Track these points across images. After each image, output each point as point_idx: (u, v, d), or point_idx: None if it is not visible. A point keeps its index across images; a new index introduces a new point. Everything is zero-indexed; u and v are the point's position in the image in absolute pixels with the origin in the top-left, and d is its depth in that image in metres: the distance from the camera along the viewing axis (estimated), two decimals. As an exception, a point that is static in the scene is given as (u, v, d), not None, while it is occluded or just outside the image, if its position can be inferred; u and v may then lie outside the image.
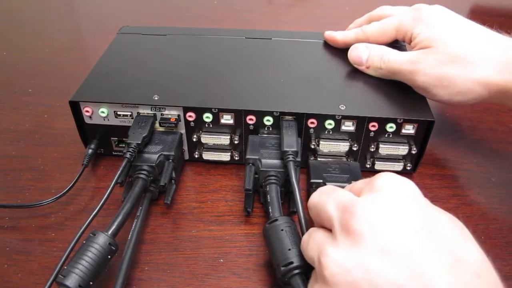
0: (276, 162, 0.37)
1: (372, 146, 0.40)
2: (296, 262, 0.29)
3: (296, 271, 0.29)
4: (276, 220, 0.32)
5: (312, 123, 0.39)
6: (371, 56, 0.42)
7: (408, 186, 0.26)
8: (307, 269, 0.29)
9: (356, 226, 0.24)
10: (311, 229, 0.29)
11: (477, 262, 0.23)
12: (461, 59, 0.37)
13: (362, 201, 0.26)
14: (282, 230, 0.31)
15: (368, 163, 0.42)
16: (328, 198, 0.28)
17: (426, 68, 0.38)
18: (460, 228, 0.25)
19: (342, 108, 0.39)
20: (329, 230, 0.27)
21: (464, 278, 0.22)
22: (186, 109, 0.40)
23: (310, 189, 0.38)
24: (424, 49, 0.39)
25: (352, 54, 0.44)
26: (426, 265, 0.22)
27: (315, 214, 0.29)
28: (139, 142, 0.38)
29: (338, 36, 0.47)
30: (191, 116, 0.40)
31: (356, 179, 0.38)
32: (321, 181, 0.38)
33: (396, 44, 0.44)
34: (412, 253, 0.23)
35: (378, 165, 0.41)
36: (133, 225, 0.35)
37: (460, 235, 0.24)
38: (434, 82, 0.38)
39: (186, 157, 0.43)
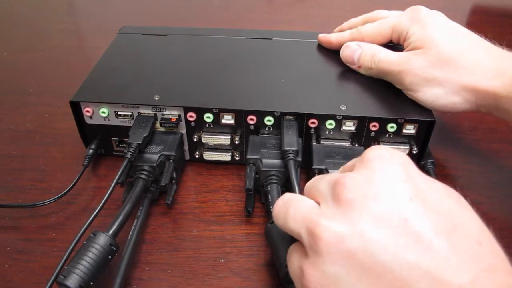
0: (277, 162, 0.37)
1: (373, 146, 0.40)
2: None
3: None
4: (277, 219, 0.32)
5: (313, 123, 0.39)
6: (362, 55, 0.42)
7: (399, 156, 0.25)
8: None
9: (347, 196, 0.24)
10: (287, 196, 0.28)
11: (477, 230, 0.22)
12: (451, 63, 0.37)
13: (353, 174, 0.25)
14: None
15: (369, 163, 0.42)
16: (321, 179, 0.27)
17: (415, 69, 0.38)
18: (457, 197, 0.24)
19: (343, 108, 0.39)
20: (316, 202, 0.26)
21: (464, 244, 0.21)
22: (186, 109, 0.40)
23: (312, 175, 0.38)
24: (416, 50, 0.39)
25: (344, 52, 0.44)
26: (423, 231, 0.22)
27: (308, 196, 0.28)
28: (140, 142, 0.38)
29: (333, 38, 0.46)
30: (191, 116, 0.40)
31: None
32: (323, 167, 0.38)
33: (392, 45, 0.44)
34: (407, 220, 0.22)
35: (379, 165, 0.41)
36: (133, 225, 0.35)
37: (457, 204, 0.24)
38: (421, 82, 0.38)
39: (187, 157, 0.43)
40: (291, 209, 0.26)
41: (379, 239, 0.22)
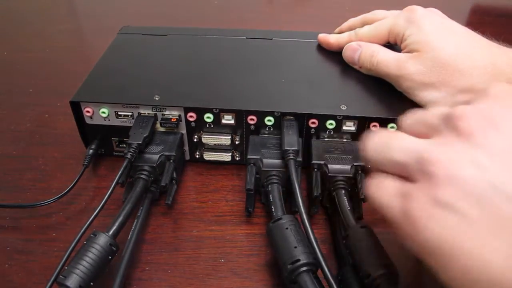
0: (278, 162, 0.37)
1: (373, 146, 0.40)
2: (303, 260, 0.29)
3: (304, 268, 0.29)
4: (280, 219, 0.32)
5: (313, 123, 0.39)
6: (362, 55, 0.42)
7: None
8: (314, 267, 0.29)
9: (467, 126, 0.22)
10: (384, 132, 0.27)
11: None
12: (448, 66, 0.37)
13: (471, 106, 0.23)
14: (286, 228, 0.31)
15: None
16: (426, 114, 0.26)
17: (412, 74, 0.38)
18: None
19: (343, 108, 0.39)
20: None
21: None
22: (187, 109, 0.40)
23: (312, 172, 0.38)
24: (412, 52, 0.39)
25: (346, 53, 0.44)
26: None
27: (409, 133, 0.26)
28: (140, 142, 0.38)
29: (332, 39, 0.47)
30: (192, 116, 0.40)
31: (360, 160, 0.37)
32: (322, 162, 0.37)
33: (389, 45, 0.44)
34: None
35: (379, 165, 0.41)
36: (134, 225, 0.35)
37: None
38: (419, 87, 0.38)
39: (187, 157, 0.43)
40: (395, 141, 0.25)
41: (500, 173, 0.21)
